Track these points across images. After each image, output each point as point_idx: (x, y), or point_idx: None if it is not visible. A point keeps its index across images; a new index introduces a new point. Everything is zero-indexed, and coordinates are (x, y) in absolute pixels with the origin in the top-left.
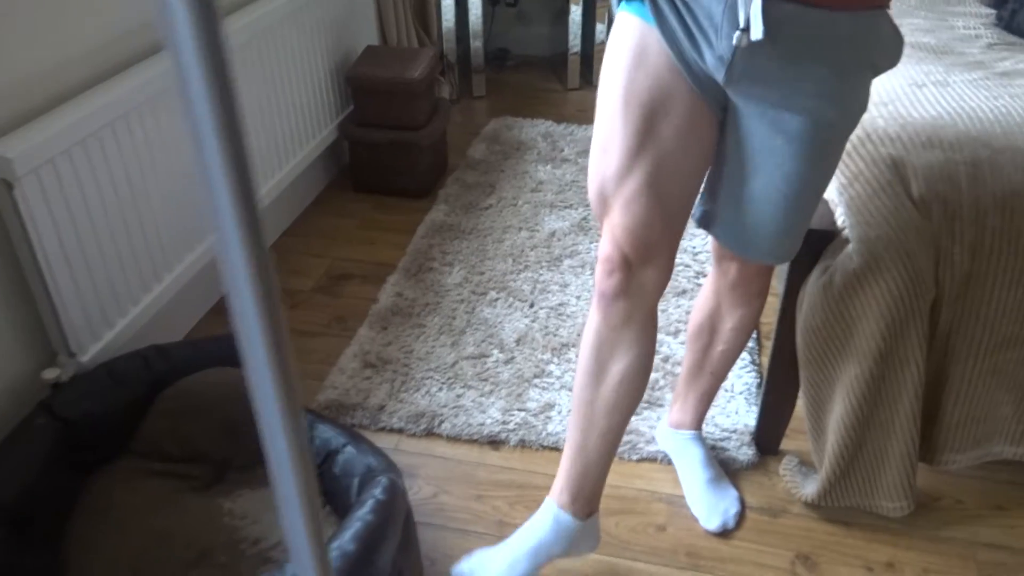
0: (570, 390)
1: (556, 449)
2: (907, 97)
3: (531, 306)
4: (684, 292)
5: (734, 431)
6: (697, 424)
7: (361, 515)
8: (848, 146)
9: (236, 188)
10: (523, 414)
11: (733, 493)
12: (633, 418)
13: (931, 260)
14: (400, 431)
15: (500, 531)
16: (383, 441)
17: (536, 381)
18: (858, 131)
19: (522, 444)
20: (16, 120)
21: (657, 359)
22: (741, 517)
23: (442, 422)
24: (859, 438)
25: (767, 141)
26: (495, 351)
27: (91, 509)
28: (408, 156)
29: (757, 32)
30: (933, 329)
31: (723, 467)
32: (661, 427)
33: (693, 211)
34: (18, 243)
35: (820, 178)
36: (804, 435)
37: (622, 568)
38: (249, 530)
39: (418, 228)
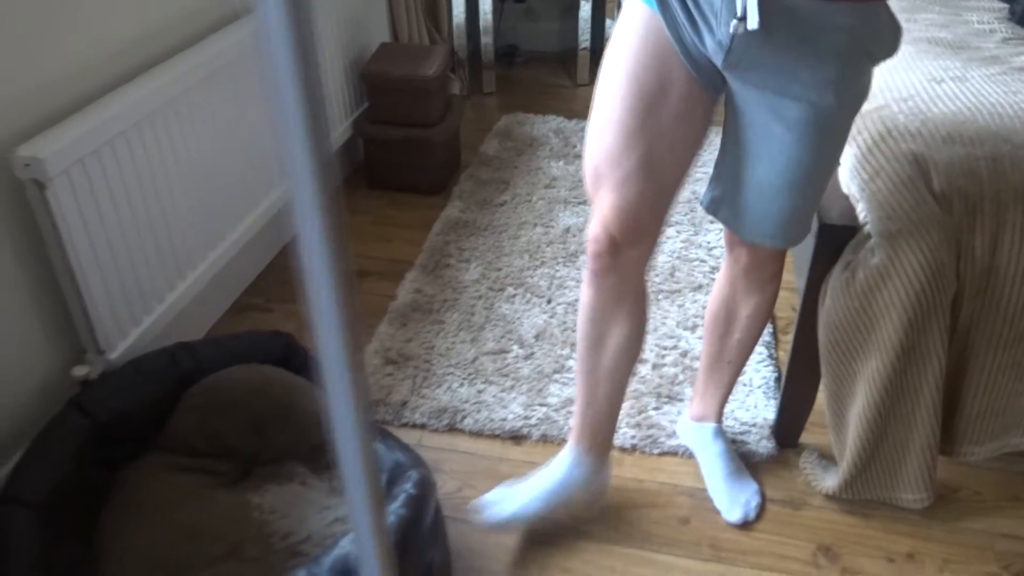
0: None
1: None
2: (926, 93)
3: (548, 302)
4: (700, 287)
5: (753, 425)
6: (718, 416)
7: (394, 509)
8: (869, 141)
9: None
10: (544, 409)
11: (753, 486)
12: (653, 412)
13: (952, 255)
14: (423, 427)
15: (526, 524)
16: (406, 437)
17: (556, 376)
18: (879, 127)
19: (544, 438)
20: (46, 121)
21: (675, 354)
22: (762, 509)
23: (464, 417)
24: (880, 431)
25: (767, 127)
26: (514, 347)
27: (122, 504)
28: (422, 153)
29: (753, 22)
30: (954, 323)
31: (743, 460)
32: (682, 421)
33: (701, 197)
34: (49, 242)
35: (823, 164)
36: (823, 428)
37: (646, 560)
38: (278, 524)
39: (434, 225)
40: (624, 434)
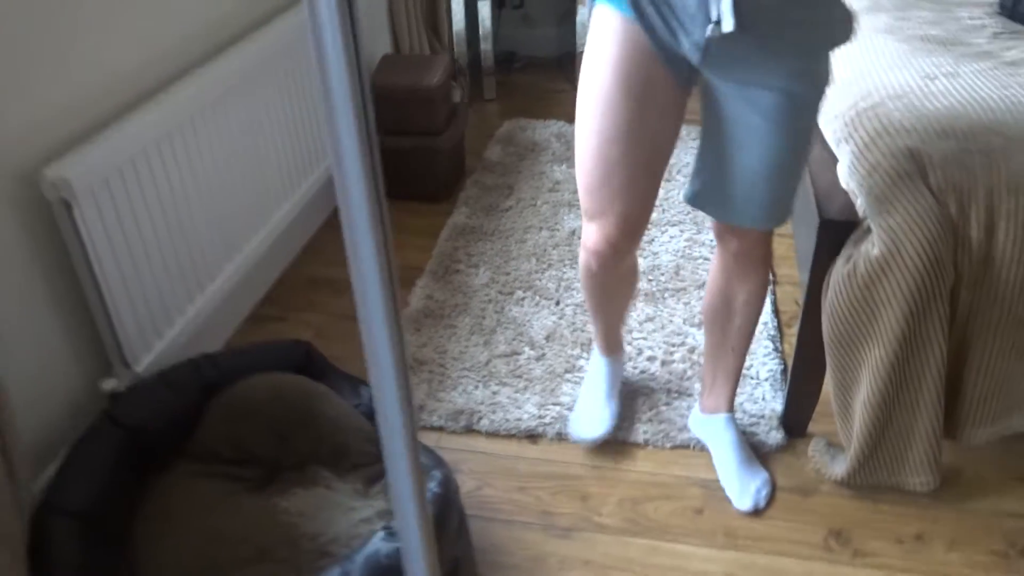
0: None
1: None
2: (920, 89)
3: (557, 303)
4: (704, 285)
5: (762, 416)
6: (728, 406)
7: None
8: (866, 138)
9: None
10: (558, 408)
11: (764, 475)
12: (664, 408)
13: (950, 246)
14: (441, 428)
15: (544, 520)
16: (425, 439)
17: (568, 376)
18: (875, 124)
19: (559, 437)
20: (71, 141)
21: (683, 350)
22: (772, 497)
23: (480, 419)
24: (885, 417)
25: (746, 119)
26: (526, 348)
27: (154, 512)
28: (429, 161)
29: (728, 25)
30: (953, 312)
31: (754, 450)
32: (694, 415)
33: (684, 193)
34: (76, 260)
35: (799, 147)
36: (830, 417)
37: (664, 550)
38: (306, 526)
39: (442, 231)
40: (637, 430)
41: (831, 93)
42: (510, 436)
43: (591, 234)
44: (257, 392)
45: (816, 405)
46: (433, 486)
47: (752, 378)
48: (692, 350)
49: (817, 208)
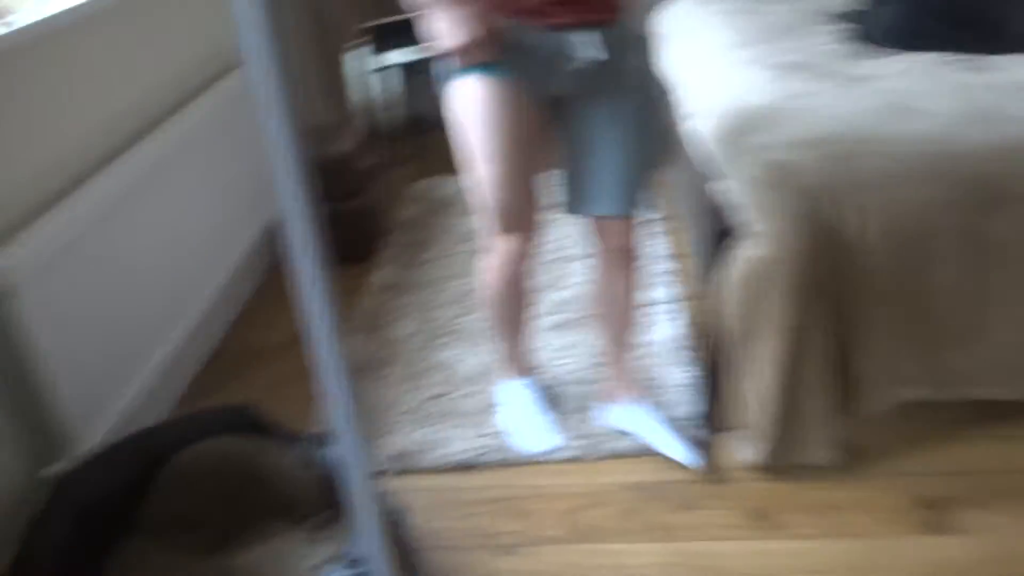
0: None
1: (525, 464)
2: (786, 108)
3: (480, 344)
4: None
5: (687, 419)
6: (635, 389)
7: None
8: (743, 155)
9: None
10: (491, 439)
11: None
12: (590, 424)
13: (823, 241)
14: (383, 472)
15: (491, 541)
16: None
17: (496, 409)
18: (750, 142)
19: (495, 464)
20: (10, 228)
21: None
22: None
23: (419, 458)
24: (788, 402)
25: (607, 127)
26: (455, 389)
27: None
28: (347, 225)
29: (593, 54)
30: (835, 299)
31: None
32: (612, 411)
33: (563, 206)
34: (18, 350)
35: (649, 142)
36: (744, 411)
37: (604, 551)
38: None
39: (367, 290)
40: (568, 446)
41: (711, 120)
42: (449, 470)
43: (513, 244)
44: (201, 459)
45: (732, 401)
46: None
47: (675, 387)
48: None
49: (709, 221)
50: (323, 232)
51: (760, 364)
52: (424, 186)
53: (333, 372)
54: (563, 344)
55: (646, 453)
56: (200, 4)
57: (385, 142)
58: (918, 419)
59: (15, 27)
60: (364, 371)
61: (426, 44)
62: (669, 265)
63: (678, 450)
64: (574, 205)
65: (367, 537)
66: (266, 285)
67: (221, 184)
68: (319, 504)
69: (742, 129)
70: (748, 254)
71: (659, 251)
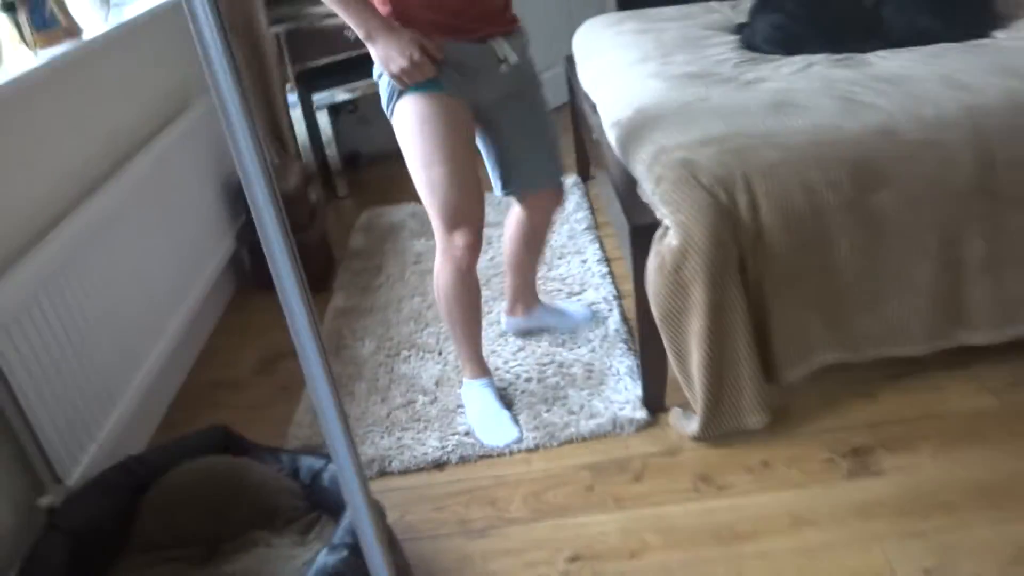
0: None
1: (489, 457)
2: (684, 113)
3: (439, 353)
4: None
5: (627, 402)
6: (536, 298)
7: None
8: (650, 157)
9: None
10: (456, 437)
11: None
12: (546, 415)
13: (728, 228)
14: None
15: (462, 528)
16: None
17: (459, 410)
18: (655, 146)
19: (462, 460)
20: None
21: (553, 367)
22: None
23: (391, 462)
24: (716, 375)
25: (527, 115)
26: (420, 396)
27: None
28: (301, 256)
29: (513, 58)
30: (746, 278)
31: (622, 429)
32: (516, 321)
33: (496, 192)
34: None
35: (551, 121)
36: (679, 388)
37: (567, 525)
38: None
39: (325, 315)
40: (527, 437)
41: (621, 128)
42: (420, 469)
43: (463, 236)
44: (187, 477)
45: (666, 383)
46: None
47: (614, 374)
48: (561, 365)
49: (627, 219)
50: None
51: (690, 342)
52: (368, 216)
53: (320, 380)
54: (516, 347)
55: (599, 436)
56: (154, 49)
57: (324, 178)
58: (835, 381)
59: None
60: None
61: (353, 85)
62: (604, 268)
63: (586, 319)
64: (516, 187)
65: (360, 522)
66: (220, 325)
67: (180, 222)
68: (300, 509)
69: (646, 134)
70: (662, 246)
71: (594, 255)
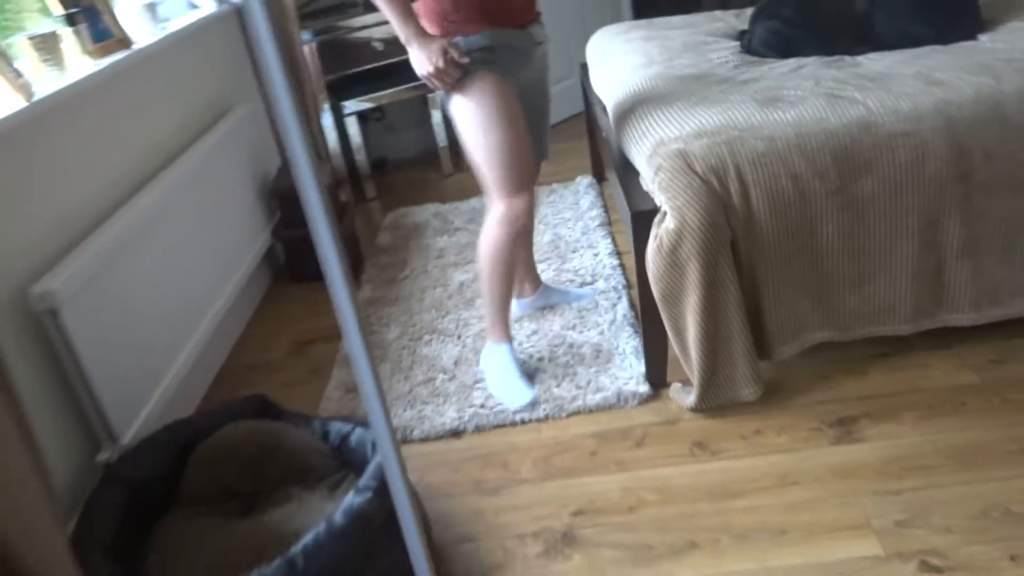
0: None
1: (503, 426)
2: (684, 110)
3: (459, 338)
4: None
5: (631, 378)
6: (539, 277)
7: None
8: (651, 148)
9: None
10: (473, 409)
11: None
12: (556, 389)
13: (721, 212)
14: None
15: (477, 487)
16: None
17: (476, 386)
18: (655, 138)
19: (477, 429)
20: (48, 262)
21: (564, 347)
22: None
23: (412, 431)
24: (711, 349)
25: (543, 96)
26: (440, 375)
27: (162, 554)
28: None
29: (544, 39)
30: (739, 259)
31: (626, 402)
32: (525, 303)
33: None
34: (65, 359)
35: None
36: (679, 364)
37: (573, 484)
38: (290, 527)
39: None
40: (539, 408)
41: (628, 127)
42: (439, 437)
43: (522, 201)
44: (231, 438)
45: (667, 360)
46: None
47: (620, 354)
48: (571, 346)
49: (629, 206)
50: (339, 249)
51: (687, 318)
52: (394, 216)
53: (360, 351)
54: (530, 331)
55: (604, 408)
56: (197, 60)
57: (354, 182)
58: (827, 358)
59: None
60: None
61: (379, 94)
62: (615, 261)
63: (587, 292)
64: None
65: (391, 473)
66: (257, 313)
67: (220, 219)
68: (330, 468)
69: (647, 129)
70: (660, 229)
71: (606, 249)
